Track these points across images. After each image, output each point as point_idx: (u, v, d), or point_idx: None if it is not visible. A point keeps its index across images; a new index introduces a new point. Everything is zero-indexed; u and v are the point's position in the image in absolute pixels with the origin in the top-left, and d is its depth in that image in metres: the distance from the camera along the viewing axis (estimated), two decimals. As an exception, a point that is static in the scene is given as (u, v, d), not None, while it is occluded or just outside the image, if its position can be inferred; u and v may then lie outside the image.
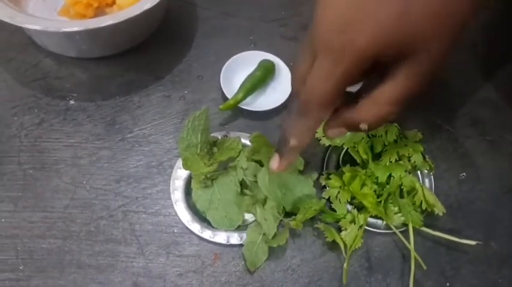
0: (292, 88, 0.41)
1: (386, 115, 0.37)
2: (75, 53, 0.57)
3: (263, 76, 0.56)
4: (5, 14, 0.49)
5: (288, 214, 0.48)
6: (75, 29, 0.48)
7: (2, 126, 0.53)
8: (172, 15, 0.63)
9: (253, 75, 0.55)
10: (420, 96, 0.35)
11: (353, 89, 0.39)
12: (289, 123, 0.40)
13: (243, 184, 0.49)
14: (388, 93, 0.36)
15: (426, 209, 0.48)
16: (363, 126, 0.38)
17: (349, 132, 0.40)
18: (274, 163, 0.41)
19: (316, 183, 0.51)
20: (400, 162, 0.50)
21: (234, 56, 0.57)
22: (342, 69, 0.34)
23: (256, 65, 0.57)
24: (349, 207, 0.49)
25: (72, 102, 0.55)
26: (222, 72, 0.56)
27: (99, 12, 0.60)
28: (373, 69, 0.35)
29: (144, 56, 0.59)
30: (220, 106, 0.53)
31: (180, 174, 0.50)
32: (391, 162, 0.50)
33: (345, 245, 0.46)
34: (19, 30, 0.59)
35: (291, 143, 0.39)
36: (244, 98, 0.54)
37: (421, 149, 0.51)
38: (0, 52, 0.59)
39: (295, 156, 0.42)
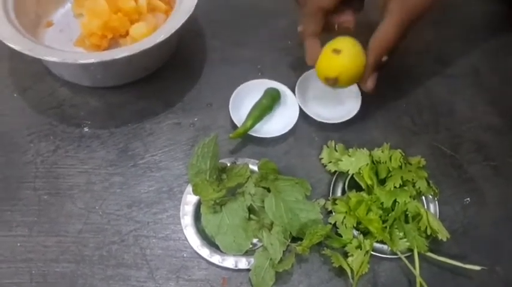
0: None
1: (392, 44, 0.51)
2: (90, 83, 0.60)
3: (270, 104, 0.57)
4: (25, 47, 0.52)
5: (295, 239, 0.49)
6: (92, 60, 0.51)
7: (19, 153, 0.55)
8: (183, 46, 0.65)
9: (260, 104, 0.57)
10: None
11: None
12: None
13: (250, 210, 0.50)
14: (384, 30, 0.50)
15: (431, 234, 0.49)
16: (384, 58, 0.52)
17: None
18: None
19: (322, 208, 0.52)
20: (405, 188, 0.51)
21: (242, 84, 0.59)
22: None
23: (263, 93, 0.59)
24: (355, 232, 0.50)
25: (86, 129, 0.57)
26: (231, 99, 0.58)
27: (113, 43, 0.62)
28: None
29: (156, 84, 0.62)
30: (230, 135, 0.55)
31: (190, 199, 0.51)
32: (395, 187, 0.51)
33: (352, 271, 0.47)
34: (36, 61, 0.61)
35: (298, 29, 0.55)
36: (252, 126, 0.56)
37: (425, 175, 0.52)
38: (18, 81, 0.61)
39: (308, 42, 0.55)
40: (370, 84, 0.54)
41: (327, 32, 0.55)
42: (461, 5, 0.77)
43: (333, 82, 0.53)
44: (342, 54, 0.52)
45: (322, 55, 0.54)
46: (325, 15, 0.53)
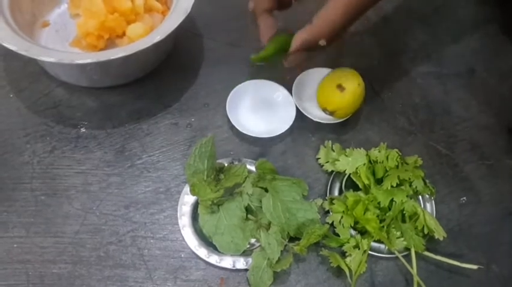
0: None
1: (337, 27, 0.47)
2: (86, 83, 0.60)
3: (288, 40, 0.50)
4: (21, 47, 0.52)
5: (293, 239, 0.49)
6: (88, 61, 0.50)
7: (15, 153, 0.55)
8: (180, 46, 0.65)
9: (280, 37, 0.51)
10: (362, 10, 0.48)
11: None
12: None
13: (248, 210, 0.50)
14: (333, 6, 0.46)
15: (428, 233, 0.49)
16: (322, 42, 0.48)
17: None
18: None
19: (320, 208, 0.52)
20: (402, 187, 0.51)
21: (239, 85, 0.59)
22: None
23: (261, 93, 0.59)
24: (353, 232, 0.50)
25: (83, 130, 0.57)
26: (228, 100, 0.58)
27: (109, 43, 0.62)
28: None
29: (153, 85, 0.62)
30: (252, 57, 0.51)
31: (187, 200, 0.51)
32: (392, 187, 0.51)
33: (350, 270, 0.47)
34: (32, 61, 0.61)
35: (249, 6, 0.52)
36: (273, 53, 0.51)
37: (422, 174, 0.52)
38: (13, 82, 0.61)
39: (261, 19, 0.52)
40: (291, 61, 0.52)
41: (285, 8, 0.53)
42: (455, 6, 0.77)
43: (329, 114, 0.57)
44: (345, 93, 0.54)
45: (326, 85, 0.56)
46: None
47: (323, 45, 0.49)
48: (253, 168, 0.53)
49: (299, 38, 0.49)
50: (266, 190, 0.50)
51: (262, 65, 0.64)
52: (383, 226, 0.50)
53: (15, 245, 0.49)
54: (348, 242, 0.49)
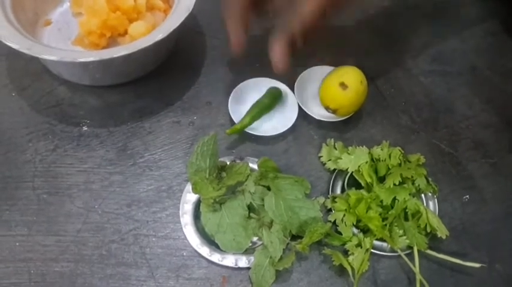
0: None
1: (313, 20, 0.47)
2: (88, 81, 0.60)
3: (270, 103, 0.57)
4: (23, 46, 0.52)
5: (295, 237, 0.49)
6: (91, 59, 0.51)
7: (18, 152, 0.55)
8: (182, 44, 0.65)
9: (261, 102, 0.57)
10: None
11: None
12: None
13: (250, 208, 0.50)
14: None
15: (431, 231, 0.49)
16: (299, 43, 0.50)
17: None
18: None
19: (322, 206, 0.52)
20: (404, 185, 0.51)
21: (242, 83, 0.59)
22: None
23: (264, 91, 0.59)
24: (355, 230, 0.50)
25: (85, 128, 0.57)
26: (230, 98, 0.58)
27: (111, 41, 0.62)
28: None
29: (155, 83, 0.62)
30: (227, 131, 0.55)
31: (189, 198, 0.51)
32: (395, 185, 0.51)
33: (353, 269, 0.47)
34: (34, 59, 0.61)
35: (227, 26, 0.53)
36: (250, 123, 0.56)
37: (424, 172, 0.52)
38: (16, 80, 0.61)
39: (232, 30, 0.53)
40: (275, 55, 0.51)
41: (261, 17, 0.54)
42: (457, 4, 0.77)
43: (332, 112, 0.57)
44: (348, 91, 0.54)
45: (328, 83, 0.56)
46: None
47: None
48: (255, 166, 0.53)
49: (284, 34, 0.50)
50: (268, 188, 0.50)
51: (263, 64, 0.64)
52: (385, 224, 0.49)
53: (17, 244, 0.49)
54: (350, 241, 0.49)
